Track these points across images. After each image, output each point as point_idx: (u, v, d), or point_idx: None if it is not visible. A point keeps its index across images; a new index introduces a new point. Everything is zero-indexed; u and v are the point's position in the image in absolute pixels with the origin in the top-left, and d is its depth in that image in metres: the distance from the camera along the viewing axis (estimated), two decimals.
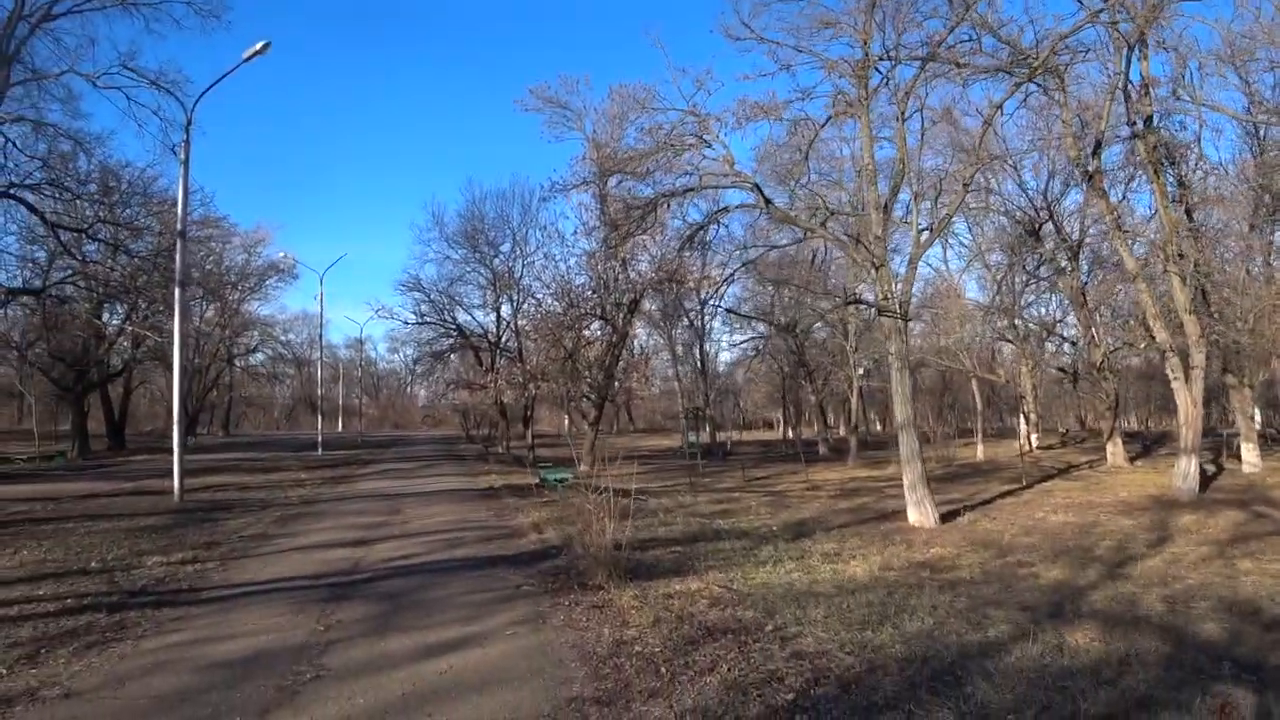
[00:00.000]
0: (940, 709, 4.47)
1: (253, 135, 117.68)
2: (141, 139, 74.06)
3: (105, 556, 9.35)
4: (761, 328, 49.10)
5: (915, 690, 4.77)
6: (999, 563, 9.78)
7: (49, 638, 5.98)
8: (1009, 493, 18.04)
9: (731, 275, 18.50)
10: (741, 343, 49.10)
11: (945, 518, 13.72)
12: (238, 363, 51.25)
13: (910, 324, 16.01)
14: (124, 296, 25.11)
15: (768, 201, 15.48)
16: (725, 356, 56.65)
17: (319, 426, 34.00)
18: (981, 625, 6.33)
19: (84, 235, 23.27)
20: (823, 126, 16.19)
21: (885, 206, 15.46)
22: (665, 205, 15.13)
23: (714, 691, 4.78)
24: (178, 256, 15.48)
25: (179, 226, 15.49)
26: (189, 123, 16.28)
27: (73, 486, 17.78)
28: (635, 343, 34.56)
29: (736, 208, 16.79)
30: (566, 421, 69.28)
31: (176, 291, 15.43)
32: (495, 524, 12.25)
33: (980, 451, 32.00)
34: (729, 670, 5.15)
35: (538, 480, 18.89)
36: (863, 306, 14.90)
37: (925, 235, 16.92)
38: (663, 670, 5.20)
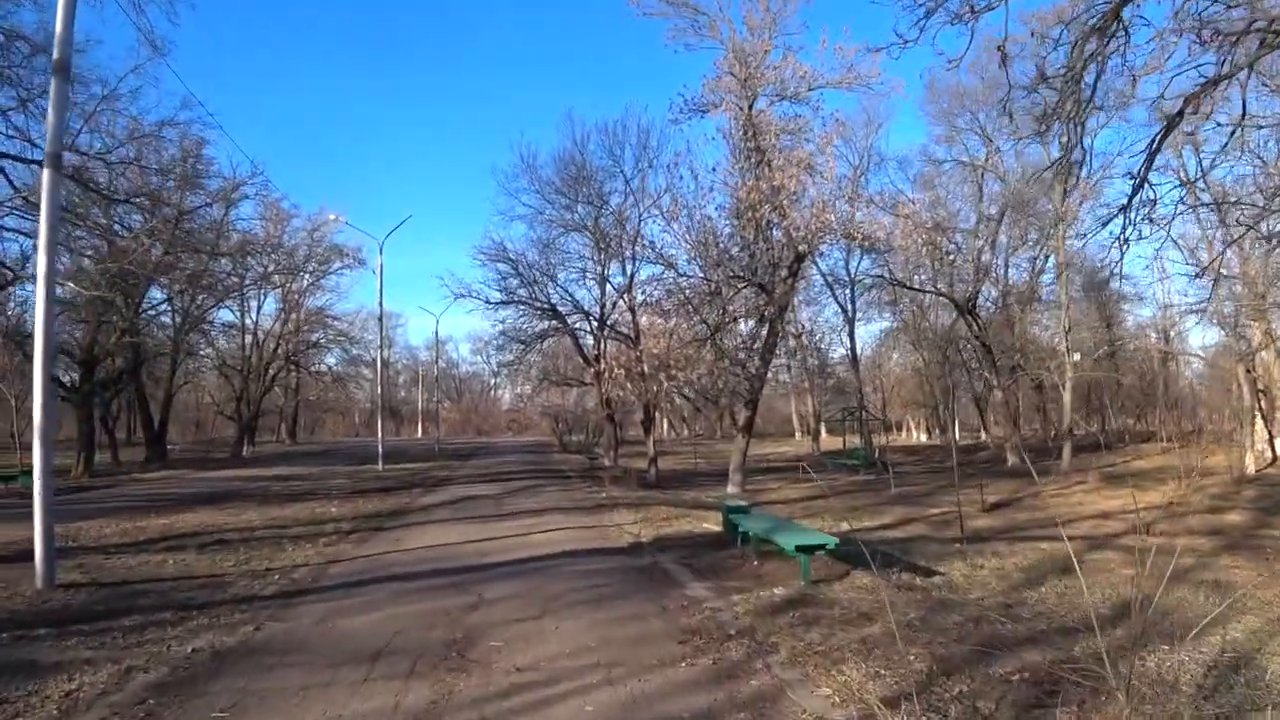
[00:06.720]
0: None
1: (312, 102, 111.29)
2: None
3: None
4: (894, 312, 40.28)
5: None
6: None
7: None
8: None
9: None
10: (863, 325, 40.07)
11: None
12: (304, 364, 45.09)
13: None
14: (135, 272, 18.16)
15: None
16: (840, 351, 47.82)
17: (379, 434, 26.64)
18: None
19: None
20: None
21: None
22: None
23: None
24: (50, 111, 7.96)
25: (55, 53, 7.95)
26: None
27: None
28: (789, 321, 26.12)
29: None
30: (666, 424, 61.49)
31: (45, 175, 7.92)
32: None
33: (1251, 462, 23.50)
34: None
35: (728, 530, 10.52)
36: None
37: None
38: None
